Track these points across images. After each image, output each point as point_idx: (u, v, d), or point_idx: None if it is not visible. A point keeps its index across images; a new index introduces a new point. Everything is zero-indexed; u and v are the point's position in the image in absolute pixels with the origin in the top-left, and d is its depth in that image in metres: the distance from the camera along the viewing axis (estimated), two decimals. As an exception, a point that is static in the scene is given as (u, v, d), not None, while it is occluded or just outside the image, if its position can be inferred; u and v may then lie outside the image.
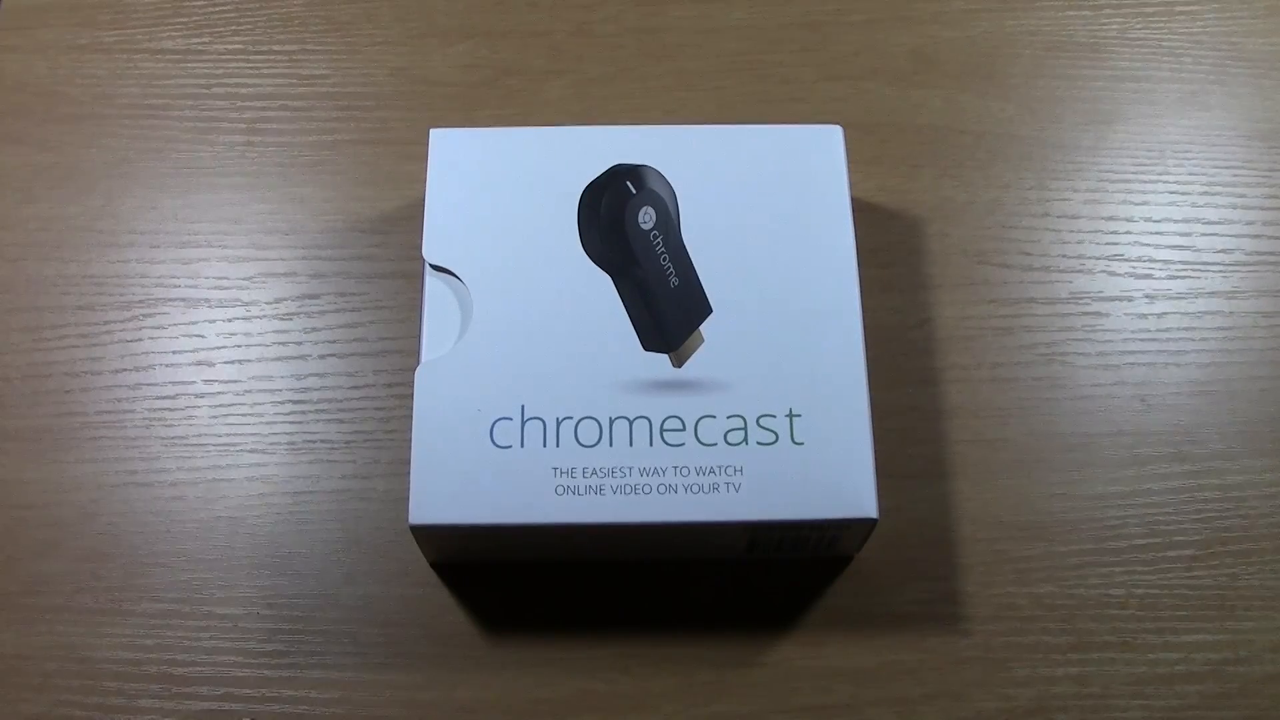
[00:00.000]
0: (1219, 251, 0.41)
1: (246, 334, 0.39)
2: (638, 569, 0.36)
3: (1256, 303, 0.40)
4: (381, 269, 0.40)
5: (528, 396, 0.32)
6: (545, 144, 0.36)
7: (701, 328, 0.33)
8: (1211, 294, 0.40)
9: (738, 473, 0.31)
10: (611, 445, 0.32)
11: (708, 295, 0.34)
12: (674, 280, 0.34)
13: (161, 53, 0.44)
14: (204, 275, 0.40)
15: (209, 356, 0.39)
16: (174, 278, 0.40)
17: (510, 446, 0.32)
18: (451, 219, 0.35)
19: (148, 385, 0.38)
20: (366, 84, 0.43)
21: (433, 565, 0.36)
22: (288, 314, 0.39)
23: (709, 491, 0.31)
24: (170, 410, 0.38)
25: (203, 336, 0.39)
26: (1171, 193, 0.42)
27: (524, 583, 0.36)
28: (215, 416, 0.38)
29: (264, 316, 0.39)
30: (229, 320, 0.39)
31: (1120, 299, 0.40)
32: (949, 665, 0.35)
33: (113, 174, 0.42)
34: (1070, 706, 0.34)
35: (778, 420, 0.32)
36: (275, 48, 0.44)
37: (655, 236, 0.34)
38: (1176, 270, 0.40)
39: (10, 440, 0.38)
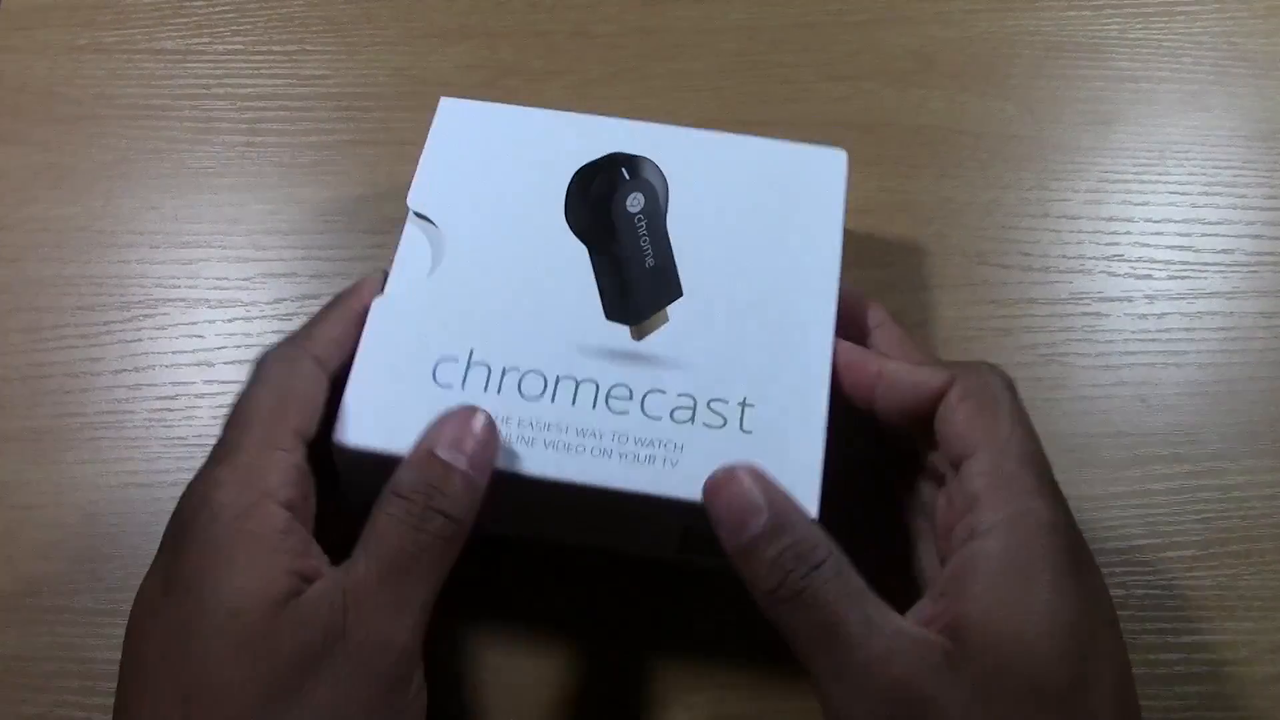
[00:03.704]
0: (1219, 252, 0.41)
1: (246, 334, 0.39)
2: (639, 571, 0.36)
3: (1256, 303, 0.40)
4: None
5: (478, 341, 0.32)
6: (551, 126, 0.36)
7: (670, 310, 0.33)
8: (1211, 294, 0.40)
9: (677, 449, 0.30)
10: (553, 402, 0.31)
11: (681, 282, 0.33)
12: (650, 261, 0.33)
13: (161, 53, 0.44)
14: (204, 275, 0.40)
15: (209, 357, 0.39)
16: (174, 278, 0.40)
17: (450, 386, 0.31)
18: (443, 176, 0.35)
19: (148, 385, 0.38)
20: (366, 84, 0.43)
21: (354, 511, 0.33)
22: (288, 314, 0.39)
23: (644, 463, 0.30)
24: (170, 410, 0.38)
25: (202, 337, 0.39)
26: (1171, 193, 0.42)
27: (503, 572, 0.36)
28: (215, 417, 0.38)
29: (264, 317, 0.39)
30: (229, 320, 0.39)
31: (1120, 299, 0.40)
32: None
33: (113, 174, 0.42)
34: (1070, 707, 0.34)
35: (729, 406, 0.31)
36: (275, 48, 0.44)
37: (640, 220, 0.34)
38: (1176, 270, 0.40)
39: (10, 440, 0.38)
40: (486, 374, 0.31)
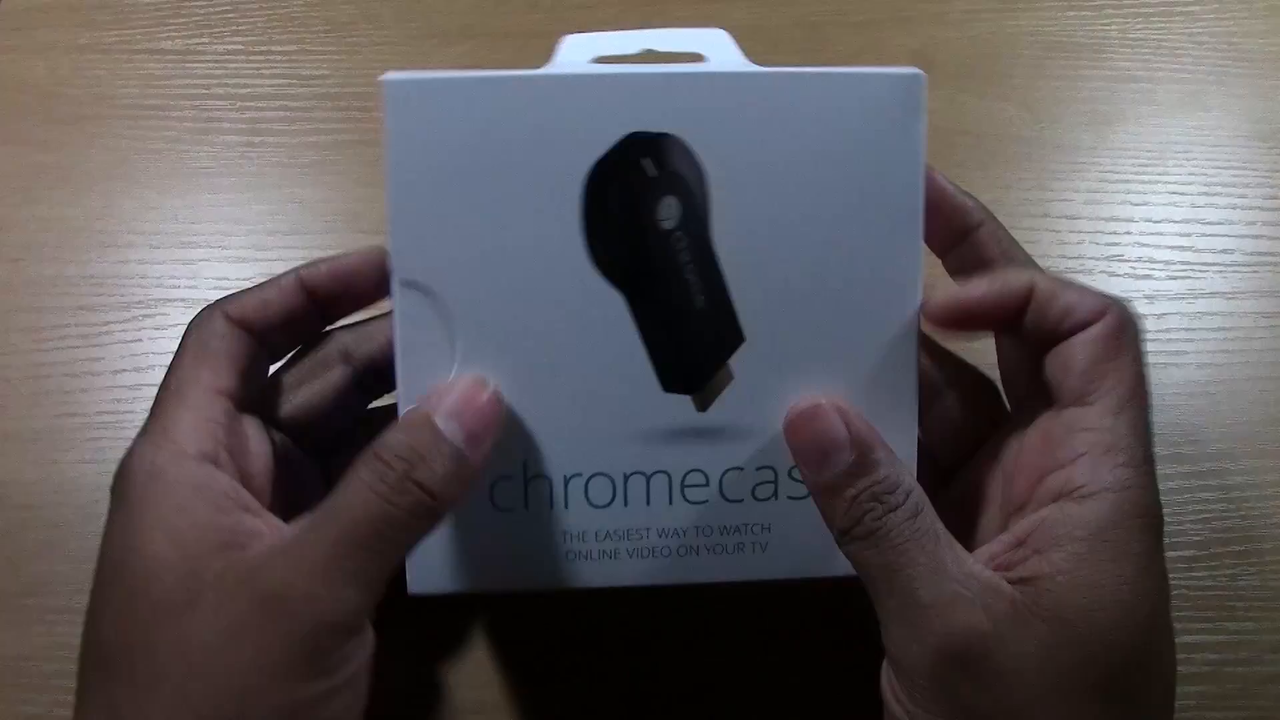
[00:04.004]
0: (1219, 252, 0.41)
1: (246, 334, 0.39)
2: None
3: (1256, 303, 0.40)
4: (381, 269, 0.40)
5: (530, 452, 0.28)
6: (533, 98, 0.27)
7: (731, 361, 0.28)
8: (1211, 294, 0.40)
9: (765, 531, 0.28)
10: (626, 505, 0.28)
11: (738, 316, 0.28)
12: (699, 299, 0.28)
13: (161, 53, 0.44)
14: (204, 275, 0.40)
15: (209, 357, 0.39)
16: (174, 278, 0.40)
17: (513, 509, 0.28)
18: (424, 215, 0.27)
19: (148, 385, 0.38)
20: (366, 84, 0.43)
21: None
22: (288, 314, 0.39)
23: (733, 552, 0.28)
24: (170, 410, 0.38)
25: (203, 337, 0.39)
26: (1171, 193, 0.42)
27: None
28: (215, 417, 0.38)
29: (264, 317, 0.39)
30: (229, 320, 0.39)
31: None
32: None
33: (113, 174, 0.42)
34: (1070, 707, 0.34)
35: None
36: (275, 48, 0.44)
37: (678, 239, 0.27)
38: (1176, 270, 0.40)
39: (10, 440, 0.38)
40: (548, 488, 0.28)
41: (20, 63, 0.43)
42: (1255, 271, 0.40)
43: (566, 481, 0.28)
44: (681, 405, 0.28)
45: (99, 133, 0.42)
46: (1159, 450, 0.37)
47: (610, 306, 0.28)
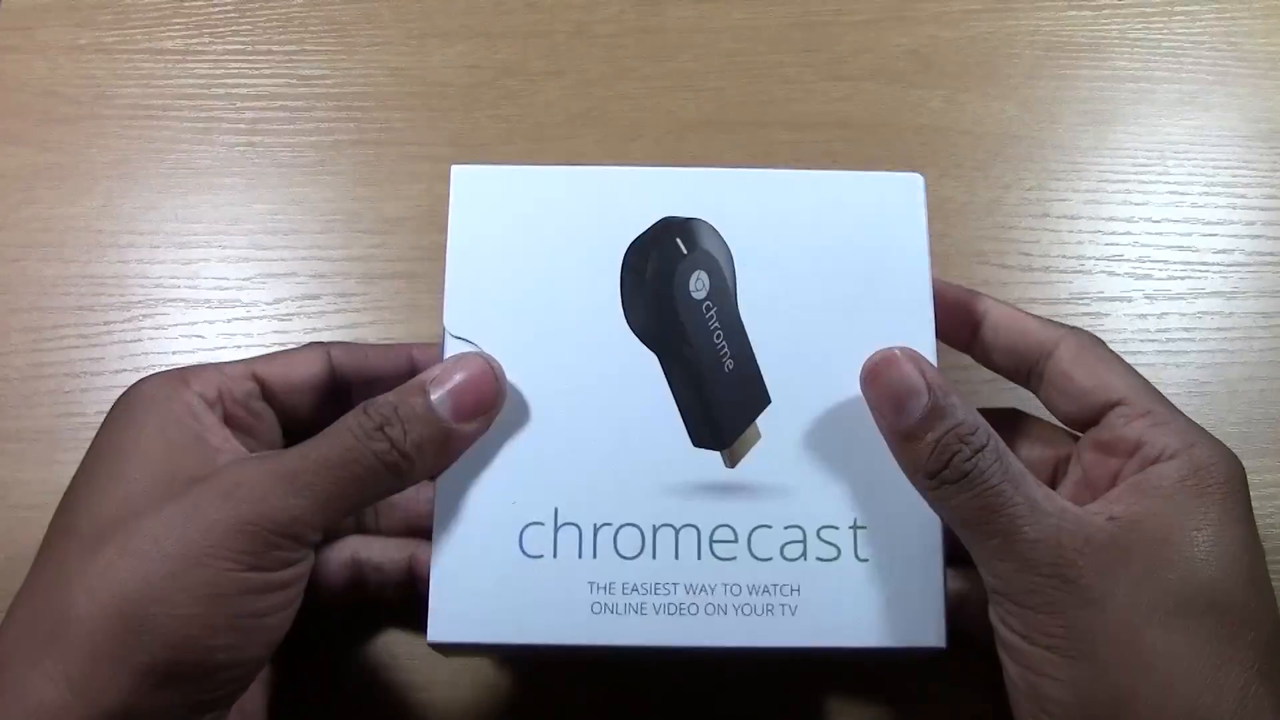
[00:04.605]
0: (1219, 252, 0.41)
1: (246, 334, 0.39)
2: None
3: (1256, 303, 0.40)
4: (381, 269, 0.40)
5: (562, 499, 0.29)
6: (582, 187, 0.31)
7: (759, 420, 0.30)
8: (1211, 294, 0.40)
9: (794, 593, 0.28)
10: (655, 558, 0.29)
11: (765, 381, 0.30)
12: (728, 363, 0.30)
13: (161, 53, 0.44)
14: (204, 275, 0.40)
15: (209, 357, 0.39)
16: (174, 278, 0.40)
17: (541, 556, 0.29)
18: (477, 280, 0.30)
19: (148, 385, 0.38)
20: (366, 84, 0.43)
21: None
22: (288, 314, 0.40)
23: (762, 614, 0.28)
24: (170, 410, 0.38)
25: (203, 337, 0.39)
26: (1171, 193, 0.42)
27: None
28: (215, 417, 0.38)
29: (264, 317, 0.39)
30: (229, 320, 0.39)
31: (1120, 299, 0.40)
32: (950, 666, 0.35)
33: (113, 174, 0.42)
34: (1070, 706, 0.34)
35: (840, 533, 0.29)
36: (275, 48, 0.44)
37: (708, 309, 0.30)
38: (1176, 270, 0.40)
39: (10, 440, 0.38)
40: (578, 535, 0.29)
41: (20, 63, 0.43)
42: (1255, 271, 0.40)
43: (596, 530, 0.29)
44: (711, 461, 0.29)
45: (99, 133, 0.42)
46: (1159, 450, 0.38)
47: (643, 367, 0.30)
